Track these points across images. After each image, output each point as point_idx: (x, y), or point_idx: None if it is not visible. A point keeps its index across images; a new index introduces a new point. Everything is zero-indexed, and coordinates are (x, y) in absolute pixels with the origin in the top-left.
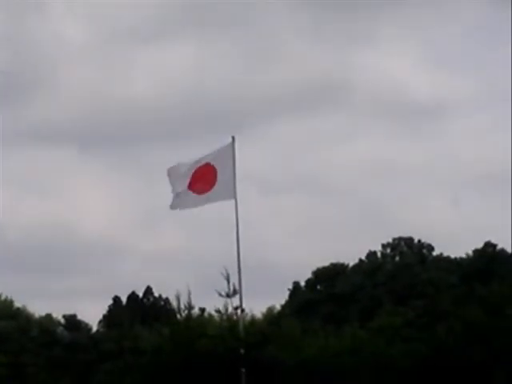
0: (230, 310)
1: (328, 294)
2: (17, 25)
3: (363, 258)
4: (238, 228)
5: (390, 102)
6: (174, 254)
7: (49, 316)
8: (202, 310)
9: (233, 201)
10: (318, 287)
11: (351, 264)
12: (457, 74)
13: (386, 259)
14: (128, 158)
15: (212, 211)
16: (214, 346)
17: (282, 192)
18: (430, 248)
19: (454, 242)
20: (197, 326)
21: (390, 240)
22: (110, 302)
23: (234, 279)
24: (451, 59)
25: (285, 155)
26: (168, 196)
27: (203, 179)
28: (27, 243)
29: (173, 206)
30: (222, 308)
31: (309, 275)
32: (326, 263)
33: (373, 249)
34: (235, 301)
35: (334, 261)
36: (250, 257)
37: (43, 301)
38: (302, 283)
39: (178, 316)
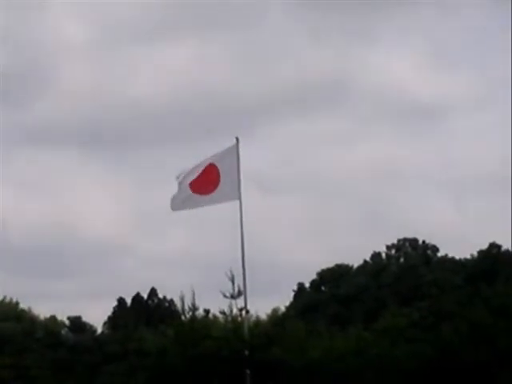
0: (235, 311)
1: (332, 295)
2: (17, 25)
3: (368, 259)
4: (243, 229)
5: (390, 102)
6: (178, 255)
7: (53, 318)
8: (207, 311)
9: (237, 202)
10: (323, 288)
11: (356, 265)
12: (457, 74)
13: (390, 260)
14: (128, 159)
15: (216, 212)
16: (219, 347)
17: (287, 193)
18: (435, 249)
19: (459, 242)
20: (201, 328)
21: (395, 241)
22: (115, 303)
23: (238, 280)
24: (452, 59)
25: (288, 155)
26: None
27: (207, 180)
28: (31, 245)
29: (174, 207)
30: (226, 309)
31: (313, 276)
32: (331, 264)
33: (377, 250)
34: (240, 302)
35: (339, 262)
36: (254, 258)
37: (48, 302)
38: (307, 284)
39: (183, 317)
